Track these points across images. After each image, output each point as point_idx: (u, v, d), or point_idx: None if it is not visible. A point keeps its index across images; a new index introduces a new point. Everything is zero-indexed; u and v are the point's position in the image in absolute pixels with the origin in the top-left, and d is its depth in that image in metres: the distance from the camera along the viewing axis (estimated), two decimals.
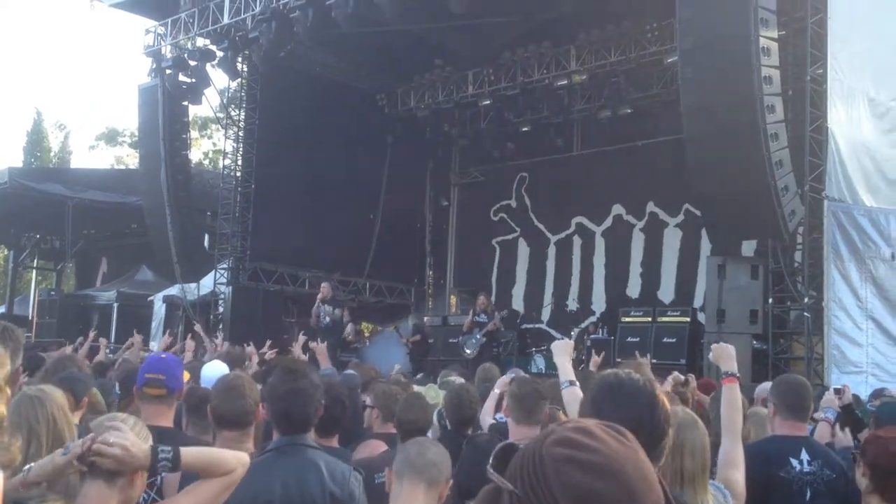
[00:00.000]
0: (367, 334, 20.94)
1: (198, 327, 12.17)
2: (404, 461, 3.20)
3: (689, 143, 12.28)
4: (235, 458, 2.86)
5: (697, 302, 15.86)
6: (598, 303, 19.19)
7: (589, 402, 2.34)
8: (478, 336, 15.94)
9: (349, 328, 15.96)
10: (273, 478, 3.47)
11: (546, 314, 20.13)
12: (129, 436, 2.61)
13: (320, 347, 8.51)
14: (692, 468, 3.28)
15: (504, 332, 16.92)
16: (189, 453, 2.72)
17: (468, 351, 15.79)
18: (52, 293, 23.47)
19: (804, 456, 4.27)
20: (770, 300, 12.31)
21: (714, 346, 4.11)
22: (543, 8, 15.83)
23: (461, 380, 6.74)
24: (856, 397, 6.84)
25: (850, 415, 5.86)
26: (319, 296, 15.74)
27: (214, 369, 5.96)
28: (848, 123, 11.96)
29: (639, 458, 1.33)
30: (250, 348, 8.85)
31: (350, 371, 7.79)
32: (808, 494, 4.20)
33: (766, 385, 6.53)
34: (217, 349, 10.66)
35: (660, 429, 2.19)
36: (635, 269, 18.86)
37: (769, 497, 4.02)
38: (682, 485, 3.26)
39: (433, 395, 6.09)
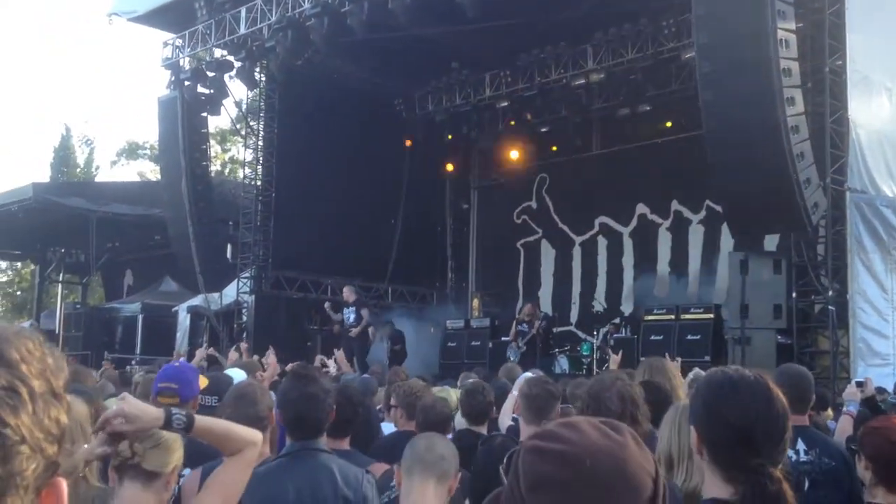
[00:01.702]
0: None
1: (208, 350, 12.12)
2: (413, 457, 3.19)
3: (709, 139, 12.18)
4: (249, 433, 2.84)
5: (718, 298, 15.71)
6: (627, 304, 19.08)
7: (701, 405, 2.18)
8: (521, 345, 16.16)
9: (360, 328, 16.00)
10: (286, 483, 3.48)
11: (574, 316, 20.07)
12: (130, 400, 2.62)
13: (339, 354, 8.61)
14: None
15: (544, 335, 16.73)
16: (203, 420, 2.73)
17: (512, 359, 15.97)
18: (78, 306, 23.72)
19: (800, 446, 4.19)
20: (794, 294, 12.19)
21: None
22: (559, 8, 15.79)
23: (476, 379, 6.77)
24: (881, 390, 6.75)
25: (873, 407, 5.78)
26: (346, 298, 15.92)
27: (235, 375, 5.99)
28: (868, 114, 11.85)
29: (623, 452, 1.31)
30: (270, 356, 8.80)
31: (367, 375, 7.80)
32: (807, 484, 4.11)
33: None
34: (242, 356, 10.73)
35: (781, 424, 2.09)
36: (663, 269, 18.74)
37: None
38: None
39: (451, 397, 6.06)
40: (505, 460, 1.42)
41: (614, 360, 8.53)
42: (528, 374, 5.60)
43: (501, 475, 1.41)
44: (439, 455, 3.17)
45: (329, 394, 3.67)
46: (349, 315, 15.83)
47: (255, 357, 9.54)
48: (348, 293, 16.02)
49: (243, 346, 13.01)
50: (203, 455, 3.43)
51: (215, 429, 2.78)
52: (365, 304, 16.20)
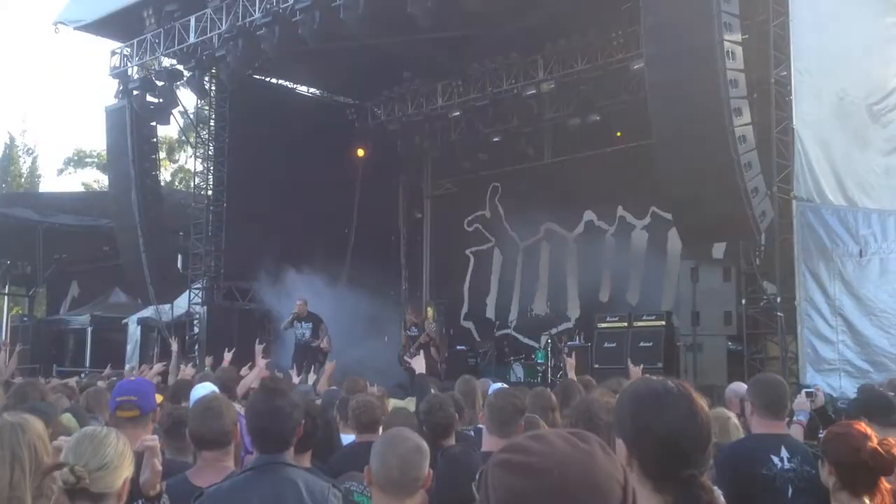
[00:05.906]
0: None
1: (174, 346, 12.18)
2: (387, 476, 3.22)
3: (658, 148, 12.37)
4: None
5: (665, 304, 15.92)
6: (573, 309, 19.26)
7: (627, 418, 2.09)
8: (411, 351, 16.12)
9: (325, 340, 15.84)
10: (251, 497, 3.45)
11: (513, 319, 20.19)
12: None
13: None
14: None
15: (436, 340, 16.80)
16: None
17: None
18: (25, 319, 23.25)
19: (784, 453, 4.28)
20: (743, 301, 12.41)
21: None
22: (509, 20, 15.91)
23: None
24: (828, 396, 6.92)
25: (823, 416, 5.91)
26: (294, 311, 15.75)
27: (204, 390, 5.90)
28: (815, 123, 12.06)
29: (590, 461, 1.35)
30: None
31: (334, 388, 7.74)
32: (790, 491, 4.20)
33: (735, 385, 6.61)
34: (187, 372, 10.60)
35: (706, 433, 2.06)
36: (607, 274, 18.93)
37: (752, 495, 4.04)
38: None
39: (412, 408, 6.08)
40: (477, 476, 1.44)
41: (570, 364, 8.66)
42: (497, 385, 5.61)
43: (474, 491, 1.43)
44: (413, 478, 3.21)
45: (297, 408, 3.64)
46: (304, 330, 15.66)
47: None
48: (301, 307, 15.83)
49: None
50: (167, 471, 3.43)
51: None
52: (320, 321, 15.96)
